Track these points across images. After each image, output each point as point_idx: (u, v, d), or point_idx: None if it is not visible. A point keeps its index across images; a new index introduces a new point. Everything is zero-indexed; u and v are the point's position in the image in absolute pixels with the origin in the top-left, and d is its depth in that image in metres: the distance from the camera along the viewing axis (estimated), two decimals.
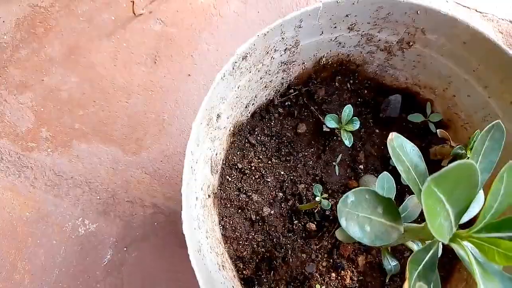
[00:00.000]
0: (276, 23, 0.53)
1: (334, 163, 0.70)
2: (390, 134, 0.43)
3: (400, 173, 0.41)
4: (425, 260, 0.41)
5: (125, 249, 0.84)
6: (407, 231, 0.46)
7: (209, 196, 0.61)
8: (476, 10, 1.04)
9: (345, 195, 0.41)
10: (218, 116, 0.57)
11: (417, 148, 0.44)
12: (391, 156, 0.41)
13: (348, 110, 0.63)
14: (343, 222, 0.41)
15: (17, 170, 0.86)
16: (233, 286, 0.58)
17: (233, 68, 0.53)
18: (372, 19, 0.59)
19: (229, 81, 0.55)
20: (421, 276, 0.40)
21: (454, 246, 0.41)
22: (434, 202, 0.33)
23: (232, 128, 0.66)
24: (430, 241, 0.43)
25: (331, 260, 0.67)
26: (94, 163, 0.88)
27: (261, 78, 0.63)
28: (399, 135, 0.43)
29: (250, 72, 0.59)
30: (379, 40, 0.63)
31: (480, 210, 0.39)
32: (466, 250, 0.39)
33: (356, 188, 0.42)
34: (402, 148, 0.43)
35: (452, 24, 0.56)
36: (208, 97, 0.49)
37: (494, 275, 0.38)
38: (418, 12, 0.56)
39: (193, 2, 0.97)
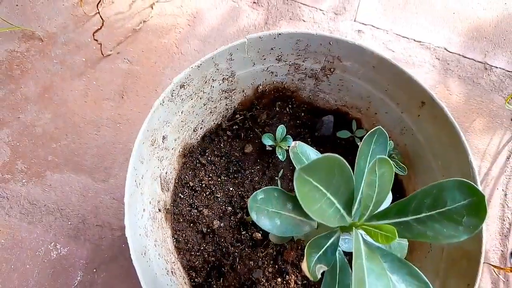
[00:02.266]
0: (207, 56, 0.62)
1: (276, 178, 0.78)
2: (293, 142, 0.51)
3: None
4: (326, 245, 0.48)
5: (94, 270, 0.90)
6: (320, 225, 0.54)
7: (159, 210, 0.68)
8: (414, 40, 1.16)
9: (255, 193, 0.48)
10: (164, 137, 0.66)
11: (319, 153, 0.52)
12: (292, 160, 0.50)
13: (281, 129, 0.72)
14: (253, 216, 0.48)
15: None
16: None
17: (172, 95, 0.62)
18: (294, 50, 0.69)
19: (170, 107, 0.63)
20: (321, 259, 0.47)
21: (351, 233, 0.49)
22: (310, 189, 0.41)
23: (181, 150, 0.74)
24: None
25: (277, 266, 0.74)
26: (65, 191, 0.95)
27: (204, 105, 0.72)
28: (303, 143, 0.52)
29: (191, 99, 0.68)
30: (305, 68, 0.73)
31: (391, 205, 0.48)
32: (358, 235, 0.47)
33: (265, 187, 0.49)
34: (305, 153, 0.51)
35: (360, 51, 0.66)
36: (147, 120, 0.58)
37: (377, 251, 0.46)
38: (331, 43, 0.66)
39: (156, 43, 1.08)
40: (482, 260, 0.57)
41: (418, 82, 0.64)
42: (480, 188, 0.58)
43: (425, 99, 0.64)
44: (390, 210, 0.47)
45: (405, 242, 0.56)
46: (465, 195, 0.44)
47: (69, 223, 0.93)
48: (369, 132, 0.50)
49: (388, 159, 0.44)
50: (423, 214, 0.46)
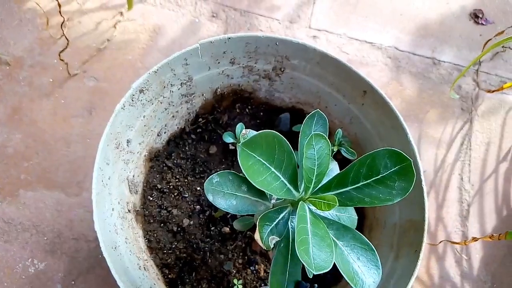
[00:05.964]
0: (163, 62, 0.67)
1: (241, 174, 0.83)
2: (244, 130, 0.56)
3: None
4: (277, 218, 0.53)
5: (73, 282, 0.92)
6: (276, 205, 0.59)
7: (129, 211, 0.72)
8: (366, 42, 1.24)
9: (210, 176, 0.53)
10: (128, 141, 0.70)
11: None
12: None
13: (240, 127, 0.77)
14: (210, 197, 0.52)
15: None
16: (154, 284, 0.68)
17: (133, 100, 0.66)
18: (245, 53, 0.75)
19: (131, 111, 0.68)
20: (273, 231, 0.52)
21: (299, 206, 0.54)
22: (254, 162, 0.46)
23: (147, 154, 0.78)
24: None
25: (246, 257, 0.78)
26: (40, 208, 0.97)
27: (166, 109, 0.76)
28: (253, 130, 0.57)
29: (152, 103, 0.72)
30: (258, 69, 0.79)
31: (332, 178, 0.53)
32: (303, 205, 0.51)
33: (221, 171, 0.54)
34: None
35: (304, 49, 0.72)
36: (110, 124, 0.62)
37: (323, 220, 0.51)
38: (277, 43, 0.72)
39: (122, 59, 1.13)
40: (426, 228, 0.62)
41: (357, 73, 0.70)
42: (417, 155, 0.64)
43: (366, 88, 0.71)
44: (332, 183, 0.53)
45: (355, 216, 0.61)
46: (395, 162, 0.49)
47: (45, 238, 0.95)
48: (309, 115, 0.55)
49: (323, 134, 0.49)
50: (361, 183, 0.51)
